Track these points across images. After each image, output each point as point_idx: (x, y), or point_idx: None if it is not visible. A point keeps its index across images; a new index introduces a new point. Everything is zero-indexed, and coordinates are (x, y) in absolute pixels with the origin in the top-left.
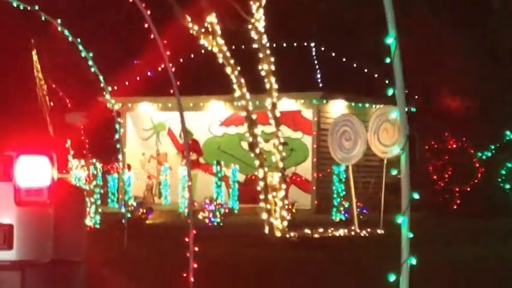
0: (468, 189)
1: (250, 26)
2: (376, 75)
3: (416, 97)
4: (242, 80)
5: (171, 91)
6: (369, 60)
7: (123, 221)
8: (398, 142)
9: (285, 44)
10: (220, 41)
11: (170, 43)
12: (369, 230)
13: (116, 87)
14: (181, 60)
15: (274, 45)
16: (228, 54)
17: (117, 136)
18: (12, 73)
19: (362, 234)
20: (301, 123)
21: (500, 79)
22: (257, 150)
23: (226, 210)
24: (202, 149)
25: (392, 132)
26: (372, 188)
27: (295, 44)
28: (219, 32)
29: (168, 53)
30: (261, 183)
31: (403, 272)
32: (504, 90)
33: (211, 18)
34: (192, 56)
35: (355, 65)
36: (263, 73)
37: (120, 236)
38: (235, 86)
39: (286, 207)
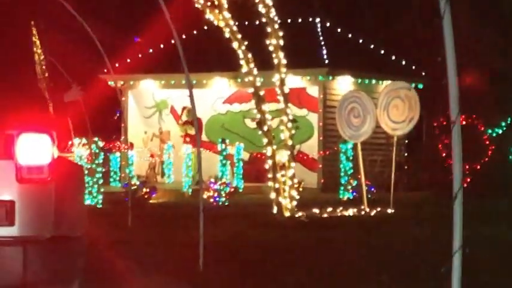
0: (478, 167)
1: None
2: (382, 51)
3: (424, 73)
4: (249, 55)
5: (181, 68)
6: (375, 36)
7: (127, 200)
8: (409, 119)
9: (289, 20)
10: (227, 15)
11: (172, 18)
12: (378, 209)
13: (117, 64)
14: (183, 36)
15: (279, 20)
16: (234, 28)
17: (118, 113)
18: (11, 51)
19: (372, 214)
20: (306, 101)
21: None
22: (265, 128)
23: (232, 189)
24: (206, 127)
25: (402, 109)
26: (379, 166)
27: (299, 20)
28: (226, 6)
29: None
30: (269, 162)
31: (454, 262)
32: None
33: None
34: (195, 32)
35: (361, 41)
36: (271, 48)
37: (123, 215)
38: (242, 62)
39: (295, 186)
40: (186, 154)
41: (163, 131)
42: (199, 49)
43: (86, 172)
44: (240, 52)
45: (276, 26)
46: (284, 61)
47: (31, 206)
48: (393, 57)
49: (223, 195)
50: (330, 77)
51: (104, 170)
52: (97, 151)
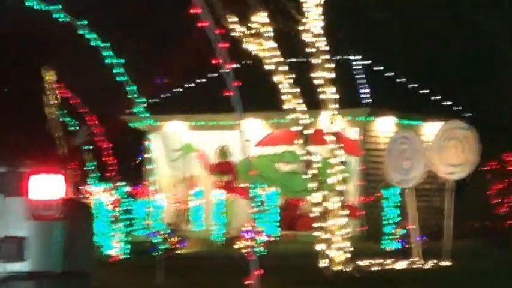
0: None
1: (303, 28)
2: (425, 91)
3: (470, 114)
4: (296, 90)
5: (209, 108)
6: (417, 75)
7: (156, 252)
8: (467, 162)
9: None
10: (271, 44)
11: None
12: (433, 261)
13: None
14: (208, 75)
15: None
16: (280, 59)
17: (140, 157)
18: (22, 96)
19: (428, 267)
20: (344, 143)
21: None
22: (313, 171)
23: (268, 239)
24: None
25: (459, 150)
26: (424, 213)
27: (337, 57)
28: (271, 34)
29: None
30: (317, 209)
31: None
32: None
33: (260, 18)
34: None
35: (402, 80)
36: (319, 81)
37: (152, 268)
38: (287, 97)
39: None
40: (218, 200)
41: (190, 175)
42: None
43: (111, 220)
44: (284, 86)
45: (326, 57)
46: (334, 96)
47: (42, 242)
48: (437, 97)
49: (260, 245)
50: (372, 118)
51: (128, 217)
52: (122, 197)
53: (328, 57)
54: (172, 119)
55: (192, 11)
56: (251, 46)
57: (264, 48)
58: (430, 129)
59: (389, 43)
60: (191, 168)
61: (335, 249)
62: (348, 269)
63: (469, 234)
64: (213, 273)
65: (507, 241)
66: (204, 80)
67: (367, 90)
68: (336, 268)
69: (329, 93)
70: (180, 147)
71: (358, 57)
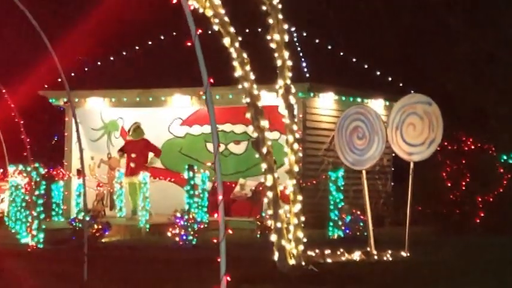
0: (491, 199)
1: None
2: (366, 65)
3: (412, 92)
4: (245, 55)
5: (137, 83)
6: (360, 51)
7: (74, 238)
8: (430, 141)
9: (259, 29)
10: (217, 1)
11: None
12: (390, 252)
13: (59, 79)
14: (136, 47)
15: (247, 30)
16: (226, 19)
17: (56, 136)
18: None
19: (385, 259)
20: (279, 121)
21: None
22: (264, 150)
23: (200, 226)
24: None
25: (421, 128)
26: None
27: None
28: None
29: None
30: (270, 194)
31: None
32: None
33: None
34: (150, 42)
35: (342, 54)
36: (273, 45)
37: (73, 261)
38: (235, 63)
39: (302, 225)
40: (143, 183)
41: (112, 156)
42: (157, 60)
43: (24, 204)
44: (232, 50)
45: (280, 17)
46: (290, 62)
47: None
48: (378, 73)
49: (191, 232)
50: (312, 94)
51: (44, 201)
52: (38, 180)
53: (281, 16)
54: (93, 94)
55: None
56: (194, 3)
57: (208, 5)
58: (374, 107)
59: (329, 14)
60: (114, 149)
61: (288, 240)
62: (304, 263)
63: (418, 220)
64: (140, 264)
65: (459, 228)
66: (125, 53)
67: (306, 64)
68: (291, 262)
69: (285, 57)
70: (101, 126)
71: (293, 28)
